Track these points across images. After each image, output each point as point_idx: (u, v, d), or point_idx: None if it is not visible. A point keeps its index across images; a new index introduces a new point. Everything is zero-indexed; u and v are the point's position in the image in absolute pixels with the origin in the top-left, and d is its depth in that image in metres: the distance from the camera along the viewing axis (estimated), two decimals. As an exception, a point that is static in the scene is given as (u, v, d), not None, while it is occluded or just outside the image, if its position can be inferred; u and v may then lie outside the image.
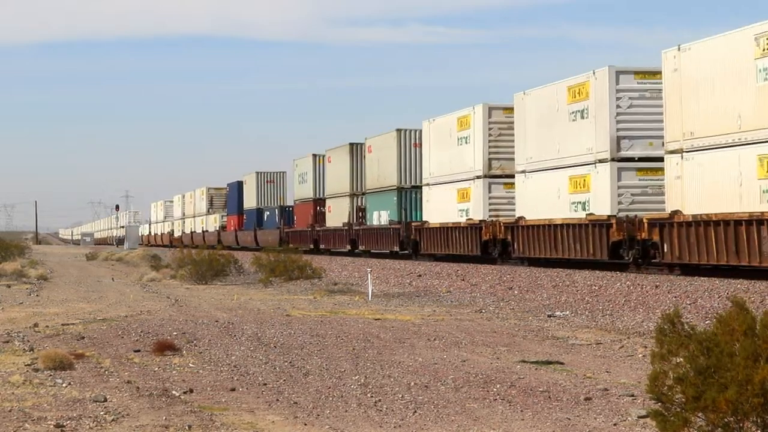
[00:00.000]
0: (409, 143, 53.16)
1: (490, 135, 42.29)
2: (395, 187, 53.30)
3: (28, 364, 15.90)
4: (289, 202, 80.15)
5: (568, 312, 25.27)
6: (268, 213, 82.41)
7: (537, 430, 11.23)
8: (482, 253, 42.17)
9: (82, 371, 15.40)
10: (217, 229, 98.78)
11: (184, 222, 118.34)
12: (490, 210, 42.16)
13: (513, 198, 40.48)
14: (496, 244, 41.30)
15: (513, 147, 40.19)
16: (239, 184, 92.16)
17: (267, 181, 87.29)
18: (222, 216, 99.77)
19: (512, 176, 40.39)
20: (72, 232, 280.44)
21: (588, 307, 25.66)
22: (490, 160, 42.29)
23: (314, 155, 69.41)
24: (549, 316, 24.77)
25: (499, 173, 42.28)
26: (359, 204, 59.85)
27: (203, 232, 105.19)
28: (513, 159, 40.23)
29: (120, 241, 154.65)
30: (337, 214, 63.51)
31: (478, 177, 42.65)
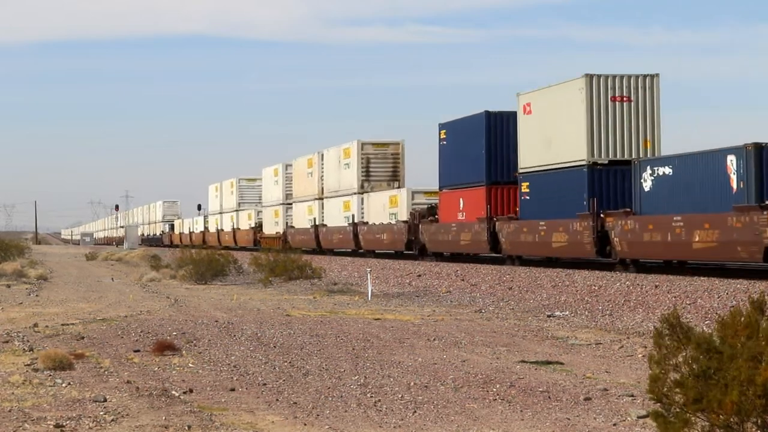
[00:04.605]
0: None
1: None
2: None
3: (28, 364, 15.89)
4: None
5: (567, 312, 25.27)
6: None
7: (537, 430, 11.23)
8: None
9: (81, 371, 15.39)
10: (408, 220, 50.03)
11: (290, 210, 71.08)
12: None
13: None
14: None
15: None
16: (493, 119, 41.54)
17: None
18: (412, 193, 51.85)
19: None
20: (72, 232, 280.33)
21: (588, 307, 25.66)
22: None
23: None
24: (549, 316, 24.77)
25: None
26: None
27: (353, 225, 57.09)
28: None
29: (148, 241, 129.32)
30: None
31: None
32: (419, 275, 38.83)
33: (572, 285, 29.62)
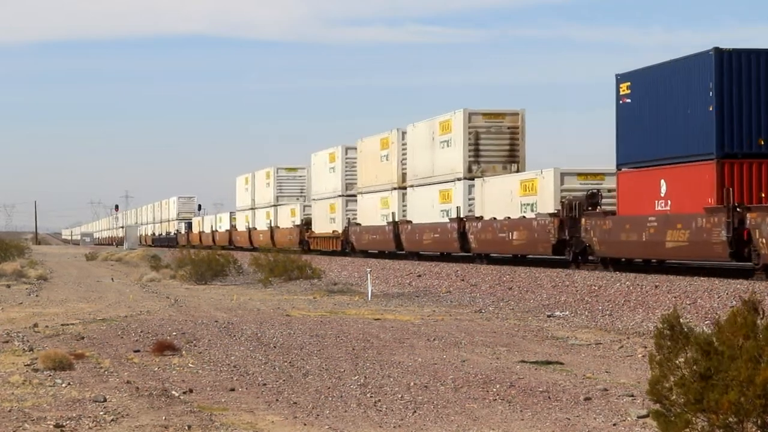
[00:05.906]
0: None
1: None
2: None
3: (28, 364, 15.89)
4: None
5: (567, 312, 25.28)
6: None
7: (537, 430, 11.23)
8: None
9: (81, 371, 15.40)
10: (558, 213, 35.83)
11: (353, 203, 57.58)
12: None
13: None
14: None
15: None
16: (727, 61, 28.08)
17: None
18: (561, 176, 36.80)
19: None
20: (72, 232, 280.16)
21: (588, 307, 25.66)
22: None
23: None
24: (549, 316, 24.78)
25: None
26: None
27: (457, 221, 43.10)
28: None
29: (159, 241, 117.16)
30: None
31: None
32: (419, 275, 38.82)
33: (572, 285, 29.61)
